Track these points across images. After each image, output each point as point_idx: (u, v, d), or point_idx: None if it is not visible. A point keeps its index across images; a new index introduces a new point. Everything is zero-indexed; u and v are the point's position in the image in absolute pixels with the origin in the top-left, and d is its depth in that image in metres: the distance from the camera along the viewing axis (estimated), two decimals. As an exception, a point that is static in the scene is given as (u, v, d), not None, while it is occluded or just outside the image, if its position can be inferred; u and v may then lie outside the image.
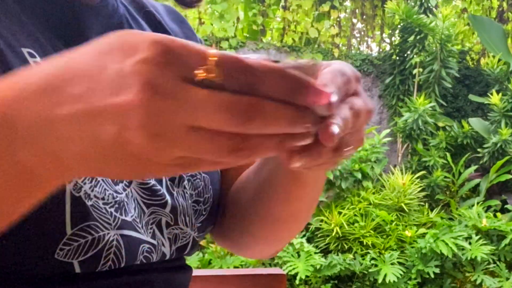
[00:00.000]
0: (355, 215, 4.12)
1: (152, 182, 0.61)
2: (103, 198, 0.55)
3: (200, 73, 0.35)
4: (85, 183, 0.53)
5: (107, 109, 0.35)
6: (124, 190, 0.58)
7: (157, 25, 0.73)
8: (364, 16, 6.56)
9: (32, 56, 0.53)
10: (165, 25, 0.74)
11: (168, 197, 0.62)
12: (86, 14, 0.61)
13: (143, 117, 0.34)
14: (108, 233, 0.55)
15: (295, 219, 0.69)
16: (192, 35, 0.78)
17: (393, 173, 4.51)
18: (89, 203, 0.53)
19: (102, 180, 0.55)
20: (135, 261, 0.58)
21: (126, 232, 0.57)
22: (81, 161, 0.38)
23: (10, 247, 0.50)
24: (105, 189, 0.56)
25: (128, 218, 0.57)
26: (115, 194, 0.56)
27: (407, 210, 4.26)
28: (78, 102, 0.36)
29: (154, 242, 0.60)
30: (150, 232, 0.60)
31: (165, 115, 0.34)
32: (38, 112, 0.37)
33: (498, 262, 4.02)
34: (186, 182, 0.66)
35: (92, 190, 0.54)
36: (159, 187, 0.62)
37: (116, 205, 0.56)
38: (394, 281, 3.71)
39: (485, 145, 4.96)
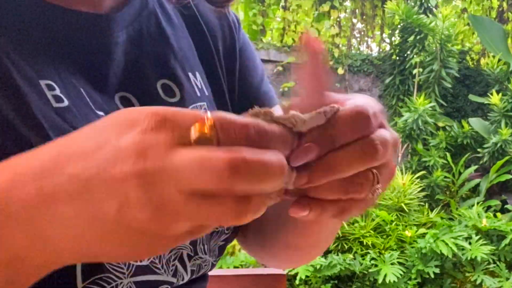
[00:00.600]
0: (355, 215, 4.11)
1: None
2: None
3: (194, 135, 0.33)
4: None
5: (103, 184, 0.34)
6: None
7: (191, 18, 0.68)
8: (364, 16, 6.56)
9: (51, 88, 0.52)
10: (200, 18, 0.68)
11: None
12: (112, 26, 0.58)
13: (139, 188, 0.33)
14: (121, 282, 0.53)
15: (313, 249, 0.68)
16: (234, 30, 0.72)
17: (393, 173, 4.50)
18: None
19: None
20: None
21: (141, 278, 0.55)
22: (77, 246, 0.36)
23: None
24: None
25: (144, 263, 0.55)
26: None
27: (407, 210, 4.25)
28: (73, 182, 0.35)
29: (174, 280, 0.58)
30: (171, 270, 0.58)
31: (159, 184, 0.33)
32: (31, 196, 0.36)
33: (498, 262, 4.01)
34: None
35: None
36: None
37: None
38: (394, 281, 3.71)
39: (485, 145, 4.95)
